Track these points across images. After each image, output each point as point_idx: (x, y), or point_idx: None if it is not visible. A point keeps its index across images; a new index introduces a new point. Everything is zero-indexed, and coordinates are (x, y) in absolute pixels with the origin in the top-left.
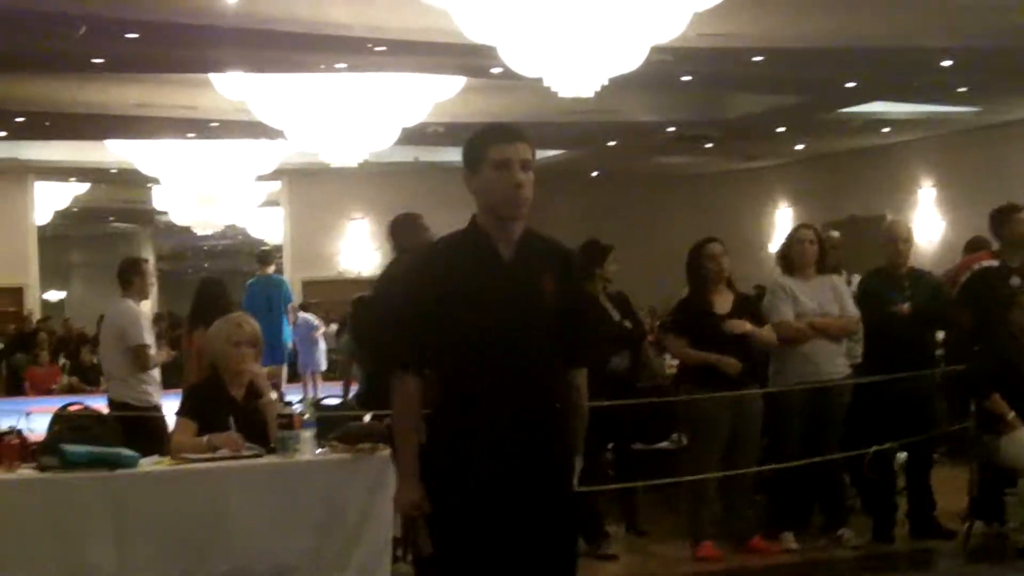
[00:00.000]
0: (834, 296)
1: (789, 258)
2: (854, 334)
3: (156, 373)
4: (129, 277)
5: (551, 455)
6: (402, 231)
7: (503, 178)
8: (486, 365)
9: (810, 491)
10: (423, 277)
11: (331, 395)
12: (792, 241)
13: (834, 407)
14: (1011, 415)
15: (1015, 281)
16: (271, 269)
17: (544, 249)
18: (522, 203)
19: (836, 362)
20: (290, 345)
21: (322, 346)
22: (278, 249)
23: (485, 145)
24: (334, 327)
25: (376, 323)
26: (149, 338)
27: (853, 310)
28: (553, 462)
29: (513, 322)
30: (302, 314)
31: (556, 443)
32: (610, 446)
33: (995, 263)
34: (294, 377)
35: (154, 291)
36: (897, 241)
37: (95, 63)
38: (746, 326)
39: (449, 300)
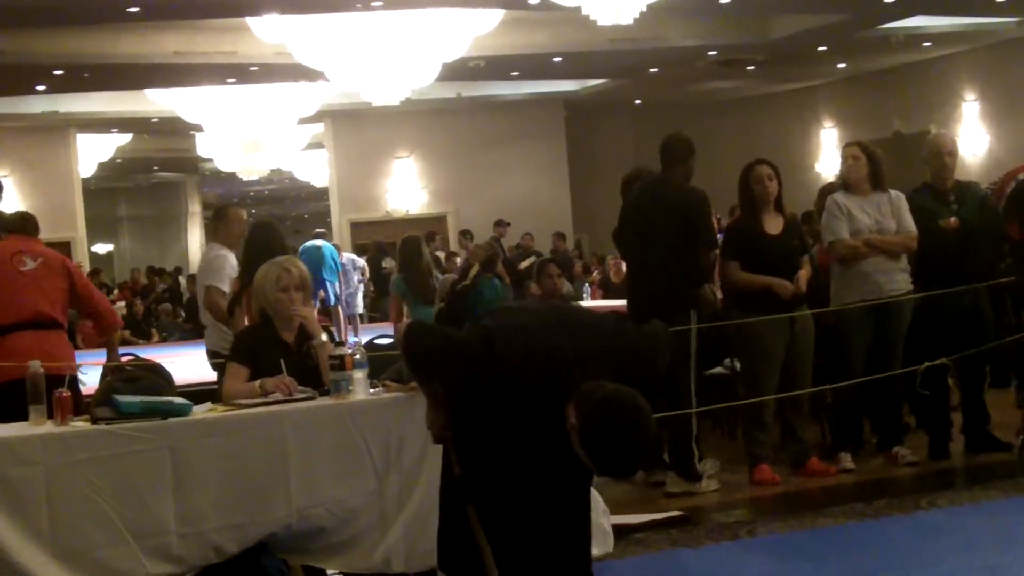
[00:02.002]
0: (892, 211)
1: (843, 176)
2: (914, 250)
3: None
4: (215, 223)
5: None
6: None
7: None
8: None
9: (866, 410)
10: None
11: (382, 335)
12: (841, 159)
13: (896, 324)
14: None
15: None
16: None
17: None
18: None
19: (896, 279)
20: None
21: (362, 288)
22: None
23: (593, 465)
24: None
25: (443, 349)
26: (225, 286)
27: (911, 225)
28: None
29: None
30: (347, 255)
31: None
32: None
33: None
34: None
35: (197, 238)
36: (942, 154)
37: (131, 12)
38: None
39: (499, 426)
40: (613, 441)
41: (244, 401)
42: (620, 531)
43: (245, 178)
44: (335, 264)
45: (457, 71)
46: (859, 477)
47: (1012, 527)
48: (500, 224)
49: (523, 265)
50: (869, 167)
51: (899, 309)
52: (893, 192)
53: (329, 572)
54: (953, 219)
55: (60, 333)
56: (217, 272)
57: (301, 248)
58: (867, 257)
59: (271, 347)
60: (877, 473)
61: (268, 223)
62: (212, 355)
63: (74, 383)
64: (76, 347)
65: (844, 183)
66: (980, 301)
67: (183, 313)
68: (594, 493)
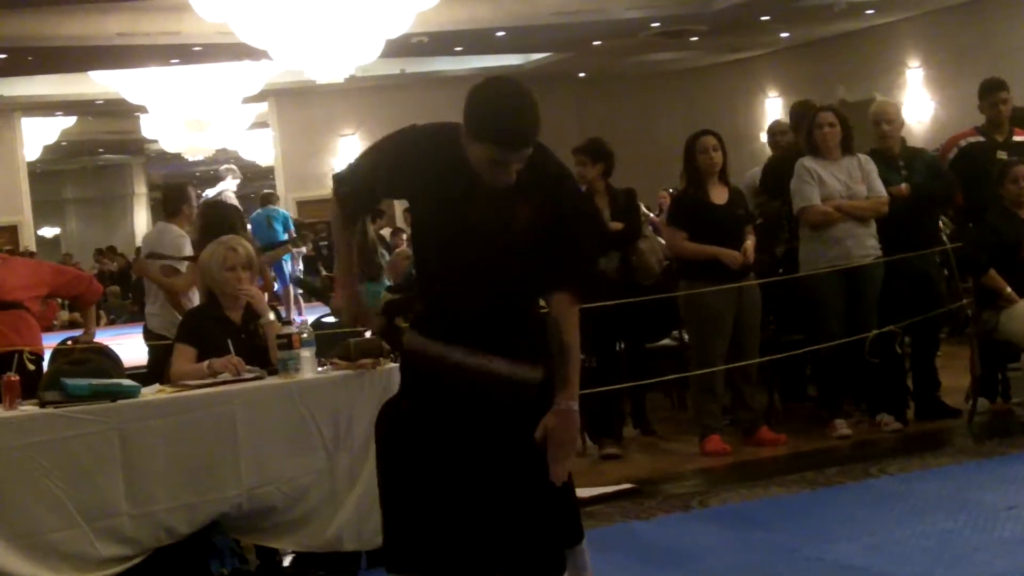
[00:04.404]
0: (862, 176)
1: (813, 142)
2: (884, 215)
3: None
4: (177, 204)
5: (510, 367)
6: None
7: (492, 168)
8: (449, 278)
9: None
10: (401, 156)
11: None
12: (812, 126)
13: (867, 290)
14: (1008, 290)
15: (1003, 154)
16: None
17: (529, 174)
18: (505, 183)
19: (866, 244)
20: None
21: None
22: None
23: (487, 138)
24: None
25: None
26: (181, 266)
27: (881, 190)
28: (514, 374)
29: (476, 244)
30: None
31: (518, 356)
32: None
33: (980, 139)
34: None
35: (144, 219)
36: (880, 123)
37: None
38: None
39: (415, 195)
40: (497, 99)
41: (192, 382)
42: None
43: (190, 158)
44: (289, 225)
45: (401, 47)
46: (810, 446)
47: (963, 492)
48: None
49: None
50: (841, 133)
51: (869, 275)
52: (862, 156)
53: (281, 551)
54: (904, 185)
55: (20, 313)
56: (180, 251)
57: (251, 217)
58: (838, 222)
59: (218, 327)
60: (828, 442)
61: (219, 202)
62: (155, 337)
63: (22, 363)
64: None
65: (813, 148)
66: (932, 267)
67: (131, 295)
68: None
